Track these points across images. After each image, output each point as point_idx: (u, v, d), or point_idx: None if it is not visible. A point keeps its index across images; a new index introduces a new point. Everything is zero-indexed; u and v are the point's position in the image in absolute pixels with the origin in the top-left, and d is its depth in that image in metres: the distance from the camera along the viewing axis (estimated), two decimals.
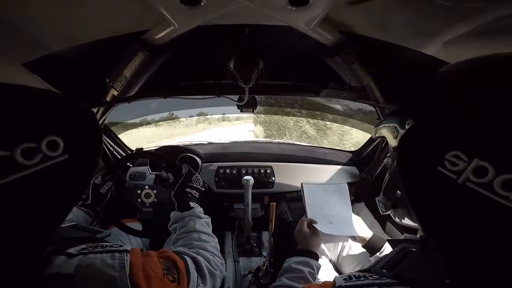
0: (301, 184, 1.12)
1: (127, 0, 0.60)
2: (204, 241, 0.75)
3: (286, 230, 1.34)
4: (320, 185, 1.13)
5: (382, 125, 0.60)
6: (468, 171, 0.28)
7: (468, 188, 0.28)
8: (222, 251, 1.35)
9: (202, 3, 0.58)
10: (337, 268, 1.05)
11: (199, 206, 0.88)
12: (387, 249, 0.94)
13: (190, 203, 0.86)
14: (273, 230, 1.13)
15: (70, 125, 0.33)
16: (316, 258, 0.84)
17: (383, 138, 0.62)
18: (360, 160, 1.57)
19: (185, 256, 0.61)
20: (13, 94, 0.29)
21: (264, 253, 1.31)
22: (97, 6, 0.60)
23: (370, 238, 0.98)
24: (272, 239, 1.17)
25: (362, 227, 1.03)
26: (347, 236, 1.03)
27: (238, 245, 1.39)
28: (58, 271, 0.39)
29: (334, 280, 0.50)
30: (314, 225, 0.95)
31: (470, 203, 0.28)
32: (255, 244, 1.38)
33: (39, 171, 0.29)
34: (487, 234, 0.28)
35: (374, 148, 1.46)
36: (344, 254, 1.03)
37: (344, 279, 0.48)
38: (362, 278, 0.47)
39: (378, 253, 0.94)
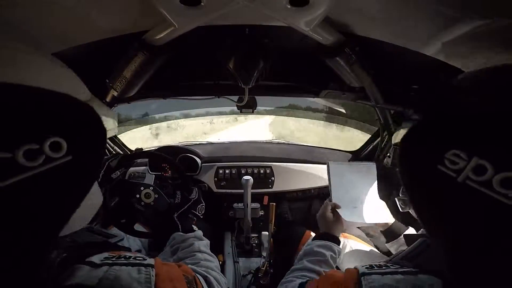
0: (328, 163, 1.07)
1: (127, 0, 0.60)
2: (210, 261, 0.77)
3: (286, 230, 1.34)
4: (347, 164, 1.09)
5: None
6: (467, 170, 0.28)
7: (468, 186, 0.28)
8: (222, 251, 1.35)
9: (202, 3, 0.58)
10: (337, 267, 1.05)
11: (199, 230, 0.92)
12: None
13: (193, 226, 0.91)
14: (273, 230, 1.13)
15: (73, 126, 0.32)
16: (338, 242, 0.82)
17: (382, 136, 0.63)
18: (360, 160, 1.57)
19: (197, 275, 0.62)
20: (15, 95, 0.29)
21: (264, 254, 1.31)
22: (97, 7, 0.60)
23: (392, 223, 0.96)
24: (272, 239, 1.17)
25: (384, 212, 1.00)
26: (367, 222, 0.99)
27: (238, 245, 1.39)
28: (81, 283, 0.39)
29: (357, 268, 0.49)
30: (338, 210, 0.92)
31: (470, 201, 0.29)
32: (254, 245, 1.39)
33: (42, 173, 0.28)
34: (487, 231, 0.28)
35: (374, 148, 1.47)
36: (344, 252, 1.03)
37: (366, 268, 0.48)
38: (384, 267, 0.48)
39: (396, 240, 0.92)
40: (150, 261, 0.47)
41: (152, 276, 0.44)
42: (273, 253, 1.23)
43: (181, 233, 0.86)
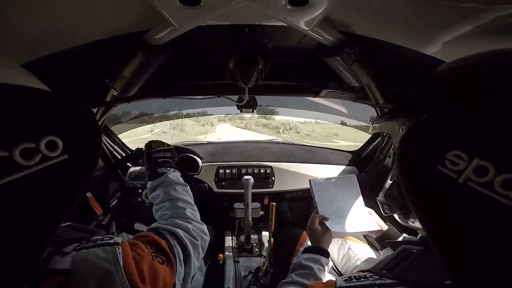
0: (309, 181, 1.09)
1: (127, 0, 0.60)
2: (180, 208, 0.71)
3: (286, 231, 1.35)
4: (328, 180, 1.11)
5: (384, 122, 0.61)
6: (469, 171, 0.28)
7: (469, 187, 0.28)
8: (222, 251, 1.35)
9: (201, 3, 0.58)
10: (337, 268, 1.05)
11: (173, 170, 0.83)
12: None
13: (161, 169, 0.82)
14: (273, 230, 1.13)
15: (69, 125, 0.32)
16: (327, 255, 0.84)
17: (383, 136, 0.63)
18: (360, 160, 1.57)
19: (163, 232, 0.59)
20: (11, 94, 0.29)
21: (264, 253, 1.31)
22: (97, 6, 0.60)
23: (386, 230, 0.97)
24: (272, 239, 1.17)
25: (375, 219, 1.01)
26: (358, 232, 1.01)
27: (238, 245, 1.39)
28: (54, 267, 0.40)
29: (335, 280, 0.50)
30: (325, 222, 0.94)
31: (471, 202, 0.28)
32: (255, 244, 1.39)
33: (38, 172, 0.29)
34: (488, 233, 0.28)
35: (374, 148, 1.47)
36: (343, 254, 1.03)
37: (345, 280, 0.49)
38: (362, 279, 0.48)
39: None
40: (117, 239, 0.48)
41: (119, 253, 0.44)
42: (273, 252, 1.23)
43: (150, 182, 0.79)
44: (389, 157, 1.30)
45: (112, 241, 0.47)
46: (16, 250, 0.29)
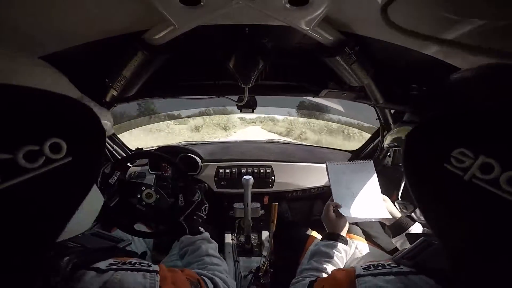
0: (326, 165, 1.09)
1: (126, 0, 0.60)
2: (217, 264, 0.78)
3: (289, 231, 1.35)
4: (345, 164, 1.11)
5: (399, 128, 0.61)
6: (474, 168, 0.28)
7: (475, 184, 0.28)
8: (222, 251, 1.35)
9: (201, 3, 0.58)
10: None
11: (206, 232, 0.91)
12: (412, 230, 0.92)
13: (200, 228, 0.91)
14: (274, 230, 1.13)
15: (73, 127, 0.32)
16: (345, 241, 0.85)
17: (382, 136, 0.63)
18: (360, 159, 1.57)
19: (204, 277, 0.63)
20: (14, 96, 0.29)
21: (264, 253, 1.31)
22: (97, 6, 0.60)
23: (399, 218, 0.96)
24: (272, 239, 1.17)
25: (388, 206, 1.00)
26: (371, 218, 1.00)
27: (238, 245, 1.39)
28: (86, 287, 0.40)
29: (355, 268, 0.52)
30: (339, 209, 0.94)
31: (477, 199, 0.28)
32: (255, 244, 1.39)
33: (42, 174, 0.28)
34: (493, 230, 0.28)
35: (374, 147, 1.47)
36: (350, 253, 1.03)
37: (363, 268, 0.51)
38: (380, 267, 0.50)
39: (402, 235, 0.92)
40: (155, 267, 0.49)
41: (157, 281, 0.45)
42: (273, 252, 1.23)
43: (189, 236, 0.86)
44: (389, 156, 1.30)
45: (151, 268, 0.48)
46: (19, 254, 0.29)
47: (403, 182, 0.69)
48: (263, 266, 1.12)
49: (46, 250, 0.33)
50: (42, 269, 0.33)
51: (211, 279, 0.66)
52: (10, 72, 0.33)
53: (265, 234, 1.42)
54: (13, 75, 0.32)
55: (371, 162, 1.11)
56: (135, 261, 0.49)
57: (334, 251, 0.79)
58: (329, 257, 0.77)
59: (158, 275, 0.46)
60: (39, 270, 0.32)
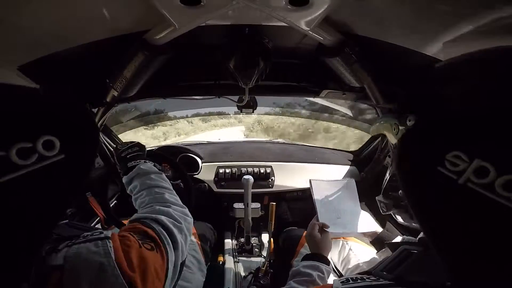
0: (310, 181, 1.14)
1: (127, 0, 0.60)
2: (158, 193, 0.71)
3: (286, 231, 1.35)
4: (327, 181, 1.16)
5: (380, 122, 0.61)
6: (469, 172, 0.28)
7: (469, 188, 0.28)
8: (222, 251, 1.35)
9: (202, 3, 0.58)
10: (337, 269, 1.05)
11: (145, 161, 0.84)
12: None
13: (131, 162, 0.83)
14: (273, 230, 1.13)
15: (66, 125, 0.33)
16: (327, 262, 0.83)
17: (383, 136, 0.63)
18: (360, 160, 1.57)
19: (146, 221, 0.59)
20: (8, 94, 0.29)
21: (264, 253, 1.31)
22: (97, 6, 0.60)
23: (380, 232, 0.98)
24: (272, 239, 1.17)
25: (370, 222, 1.02)
26: (354, 232, 1.04)
27: (238, 245, 1.39)
28: (49, 264, 0.40)
29: (333, 283, 0.50)
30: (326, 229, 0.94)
31: (471, 204, 0.28)
32: (255, 244, 1.39)
33: (35, 171, 0.29)
34: (488, 234, 0.27)
35: (374, 148, 1.46)
36: (345, 255, 1.03)
37: (341, 282, 0.49)
38: (359, 281, 0.48)
39: (385, 249, 0.91)
40: (107, 233, 0.48)
41: (110, 247, 0.45)
42: (274, 253, 1.23)
43: (124, 176, 0.81)
44: (389, 157, 1.30)
45: (102, 235, 0.48)
46: (13, 248, 0.30)
47: (385, 181, 0.68)
48: (263, 267, 1.12)
49: (40, 243, 0.34)
50: (34, 264, 0.33)
51: (156, 220, 0.59)
52: None
53: (265, 235, 1.42)
54: None
55: (353, 180, 1.18)
56: (88, 233, 0.49)
57: (315, 272, 0.76)
58: (310, 277, 0.75)
59: (110, 241, 0.46)
60: (30, 265, 0.32)
